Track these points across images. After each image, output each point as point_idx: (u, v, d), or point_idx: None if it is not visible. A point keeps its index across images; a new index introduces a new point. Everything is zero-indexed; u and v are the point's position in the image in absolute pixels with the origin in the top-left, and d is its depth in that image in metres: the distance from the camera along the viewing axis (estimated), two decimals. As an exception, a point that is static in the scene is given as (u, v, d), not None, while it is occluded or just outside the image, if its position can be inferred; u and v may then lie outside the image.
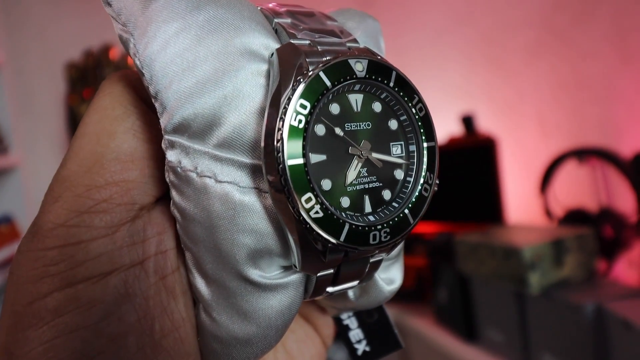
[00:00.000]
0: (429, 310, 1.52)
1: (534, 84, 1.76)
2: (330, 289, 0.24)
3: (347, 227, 0.22)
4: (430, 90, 1.94)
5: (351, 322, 0.32)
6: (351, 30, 0.27)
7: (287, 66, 0.22)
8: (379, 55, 0.25)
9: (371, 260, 0.24)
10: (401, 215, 0.24)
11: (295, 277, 0.23)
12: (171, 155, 0.21)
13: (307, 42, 0.23)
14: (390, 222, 0.23)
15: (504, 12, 1.83)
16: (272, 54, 0.22)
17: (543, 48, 1.73)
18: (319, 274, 0.23)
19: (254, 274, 0.22)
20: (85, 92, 1.83)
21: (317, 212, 0.21)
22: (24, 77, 1.94)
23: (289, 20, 0.24)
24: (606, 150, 1.39)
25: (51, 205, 0.21)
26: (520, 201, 1.74)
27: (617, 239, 1.33)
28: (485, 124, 1.76)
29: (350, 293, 0.27)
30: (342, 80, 0.22)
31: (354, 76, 0.23)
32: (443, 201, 1.75)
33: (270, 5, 0.25)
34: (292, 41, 0.23)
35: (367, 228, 0.22)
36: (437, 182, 0.25)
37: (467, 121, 1.69)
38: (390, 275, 0.28)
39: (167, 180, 0.21)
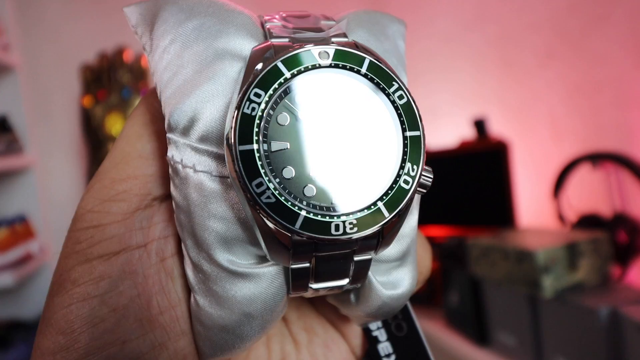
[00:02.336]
0: (440, 313, 1.52)
1: (547, 88, 1.76)
2: (314, 285, 0.24)
3: (302, 214, 0.22)
4: (442, 94, 1.94)
5: (380, 334, 0.30)
6: (353, 29, 0.27)
7: (254, 61, 0.23)
8: (368, 49, 0.25)
9: (355, 258, 0.24)
10: (372, 207, 0.23)
11: (271, 269, 0.24)
12: (169, 151, 0.23)
13: (287, 39, 0.24)
14: (359, 214, 0.22)
15: (517, 15, 1.82)
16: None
17: (556, 51, 1.72)
18: (292, 266, 0.23)
19: (224, 259, 0.23)
20: (99, 94, 1.85)
21: (268, 198, 0.21)
22: (39, 78, 1.97)
23: (279, 24, 0.25)
24: (620, 154, 1.38)
25: (85, 194, 0.25)
26: (533, 206, 1.73)
27: (632, 244, 1.32)
28: (498, 128, 1.75)
29: (352, 297, 0.26)
30: (302, 69, 0.23)
31: (317, 65, 0.23)
32: (454, 205, 1.75)
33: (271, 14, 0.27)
34: (271, 40, 0.24)
35: (327, 217, 0.22)
36: (428, 175, 0.24)
37: (479, 125, 1.69)
38: (391, 279, 0.26)
39: (169, 174, 0.24)
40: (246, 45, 0.24)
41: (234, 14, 0.25)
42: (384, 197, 0.23)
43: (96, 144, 1.82)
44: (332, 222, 0.22)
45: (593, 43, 1.61)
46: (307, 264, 0.23)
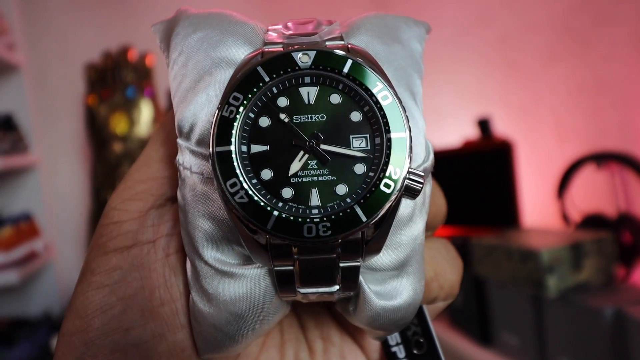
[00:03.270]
0: (443, 313, 1.52)
1: (551, 87, 1.75)
2: (301, 290, 0.24)
3: (274, 215, 0.22)
4: (445, 93, 1.94)
5: (399, 350, 0.30)
6: (355, 32, 0.27)
7: (241, 68, 0.24)
8: (360, 51, 0.24)
9: (341, 264, 0.23)
10: (349, 211, 0.22)
11: (257, 270, 0.24)
12: (178, 155, 0.25)
13: (280, 45, 0.25)
14: (333, 217, 0.22)
15: (521, 14, 1.82)
16: None
17: (561, 51, 1.71)
18: (276, 268, 0.23)
19: (211, 257, 0.24)
20: (103, 93, 1.86)
21: (242, 198, 0.22)
22: (44, 77, 1.97)
23: (279, 31, 0.26)
24: (625, 154, 1.38)
25: (112, 193, 0.27)
26: (537, 205, 1.72)
27: (636, 244, 1.31)
28: (502, 128, 1.75)
29: (351, 305, 0.26)
30: (282, 73, 0.23)
31: (296, 68, 0.23)
32: (458, 205, 1.74)
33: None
34: (264, 47, 0.24)
35: (300, 219, 0.22)
36: (417, 180, 0.23)
37: (483, 124, 1.68)
38: (387, 289, 0.25)
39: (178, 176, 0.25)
40: (242, 53, 0.25)
41: (237, 25, 0.26)
42: (362, 201, 0.22)
43: (100, 143, 1.82)
44: (304, 224, 0.22)
45: (596, 44, 1.61)
46: (291, 267, 0.23)
